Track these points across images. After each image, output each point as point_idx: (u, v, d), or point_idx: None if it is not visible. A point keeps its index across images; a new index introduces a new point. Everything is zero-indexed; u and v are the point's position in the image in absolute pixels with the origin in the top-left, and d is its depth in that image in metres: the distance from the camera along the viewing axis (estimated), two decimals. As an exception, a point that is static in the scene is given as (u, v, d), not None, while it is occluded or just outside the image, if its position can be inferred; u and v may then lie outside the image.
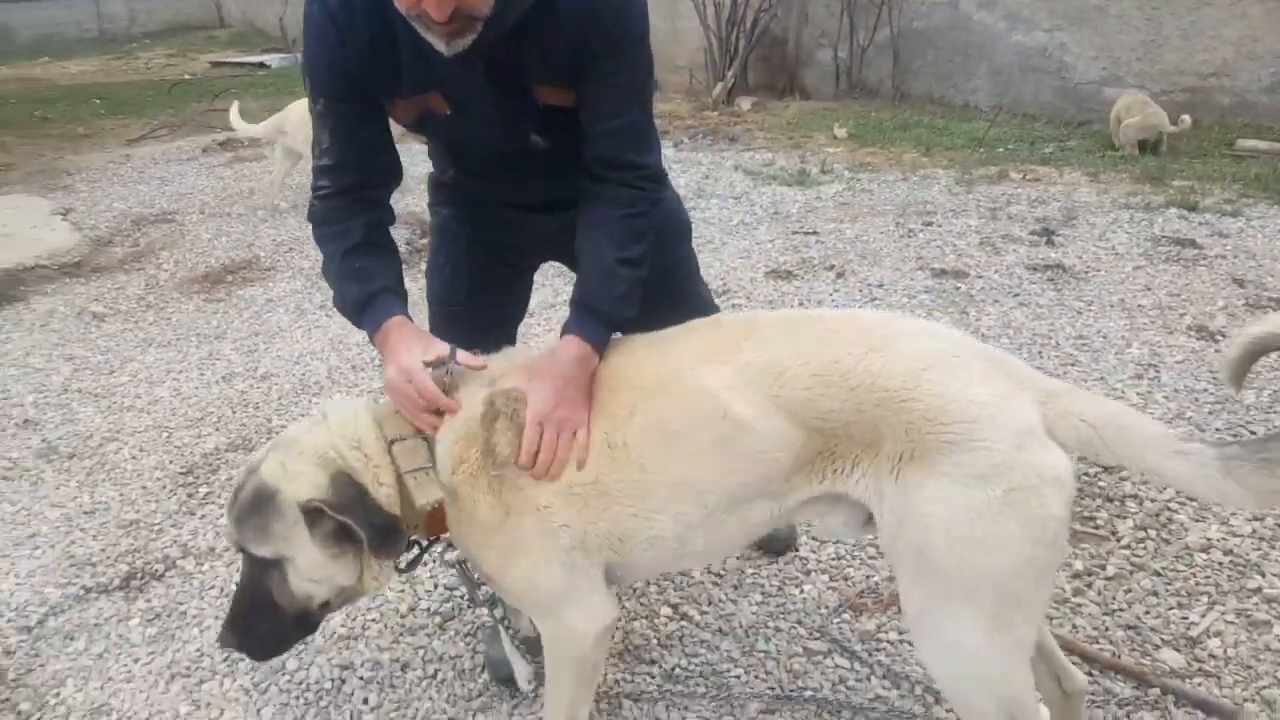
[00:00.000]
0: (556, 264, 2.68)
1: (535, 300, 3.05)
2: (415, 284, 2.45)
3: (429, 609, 2.91)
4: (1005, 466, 1.64)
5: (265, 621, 1.93)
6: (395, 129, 2.23)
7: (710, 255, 5.87)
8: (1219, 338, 4.39)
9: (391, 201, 2.28)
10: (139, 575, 3.19)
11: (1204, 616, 2.67)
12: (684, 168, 8.13)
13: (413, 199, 6.92)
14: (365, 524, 1.85)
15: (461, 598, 2.92)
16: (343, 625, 2.85)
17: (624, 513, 1.91)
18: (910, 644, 2.53)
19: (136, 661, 2.79)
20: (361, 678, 2.65)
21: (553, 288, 5.13)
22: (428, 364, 1.97)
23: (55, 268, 6.62)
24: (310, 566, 1.88)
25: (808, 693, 2.49)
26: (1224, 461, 1.58)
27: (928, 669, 1.93)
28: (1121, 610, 2.72)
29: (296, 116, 7.10)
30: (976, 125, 9.17)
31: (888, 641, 2.66)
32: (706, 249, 5.94)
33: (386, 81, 2.06)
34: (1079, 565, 2.90)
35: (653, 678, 2.58)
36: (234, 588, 2.08)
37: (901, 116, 9.95)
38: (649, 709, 2.47)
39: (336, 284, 2.15)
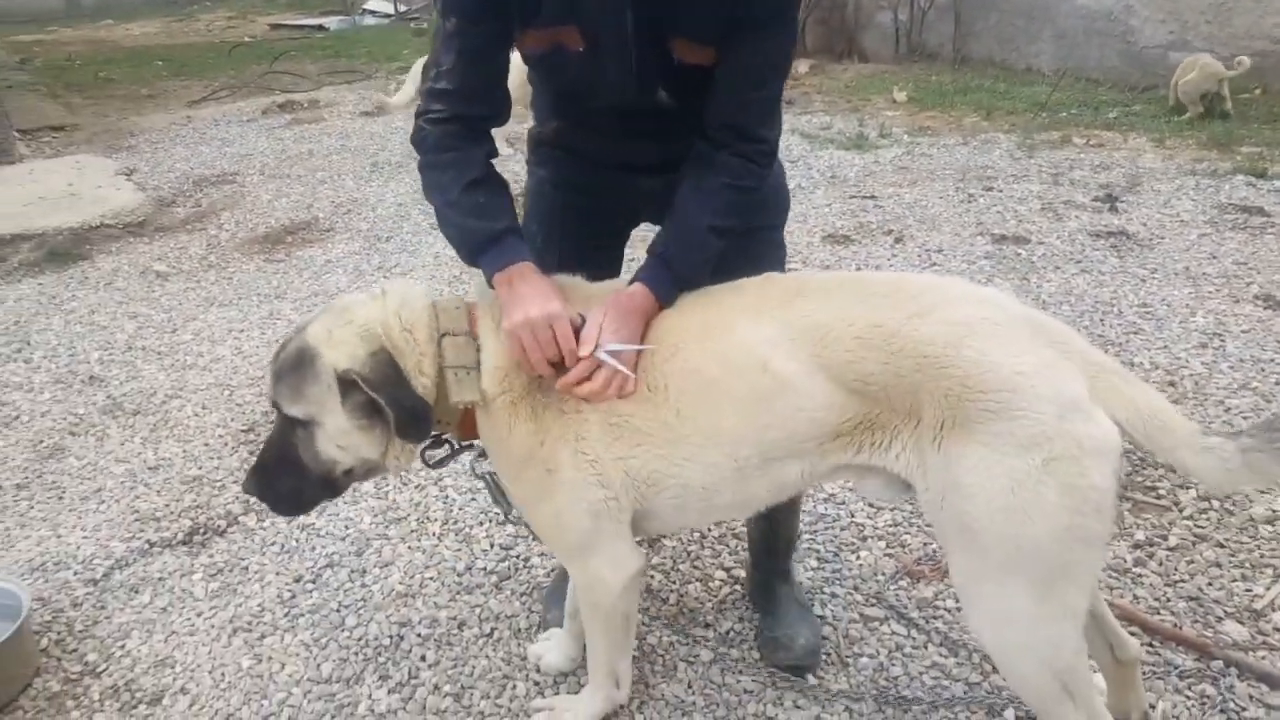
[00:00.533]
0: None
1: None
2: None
3: (485, 568, 2.94)
4: (1045, 436, 1.62)
5: (290, 477, 1.97)
6: None
7: (767, 219, 5.80)
8: (1289, 307, 4.29)
9: None
10: (202, 530, 3.25)
11: (1269, 589, 2.63)
12: (740, 131, 8.02)
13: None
14: (395, 404, 1.86)
15: (518, 557, 2.96)
16: (400, 583, 2.89)
17: (654, 454, 1.91)
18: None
19: (199, 615, 2.85)
20: (419, 635, 2.69)
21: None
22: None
23: (120, 227, 6.71)
24: (337, 433, 1.90)
25: (863, 659, 2.49)
26: (1243, 454, 1.61)
27: (978, 639, 1.92)
28: (1183, 581, 2.68)
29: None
30: (1039, 89, 9.00)
31: (945, 609, 2.64)
32: (763, 213, 5.87)
33: (527, 4, 1.96)
34: (1140, 535, 2.86)
35: (707, 641, 2.59)
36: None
37: (962, 80, 9.79)
38: (703, 671, 2.48)
39: (456, 217, 2.05)
